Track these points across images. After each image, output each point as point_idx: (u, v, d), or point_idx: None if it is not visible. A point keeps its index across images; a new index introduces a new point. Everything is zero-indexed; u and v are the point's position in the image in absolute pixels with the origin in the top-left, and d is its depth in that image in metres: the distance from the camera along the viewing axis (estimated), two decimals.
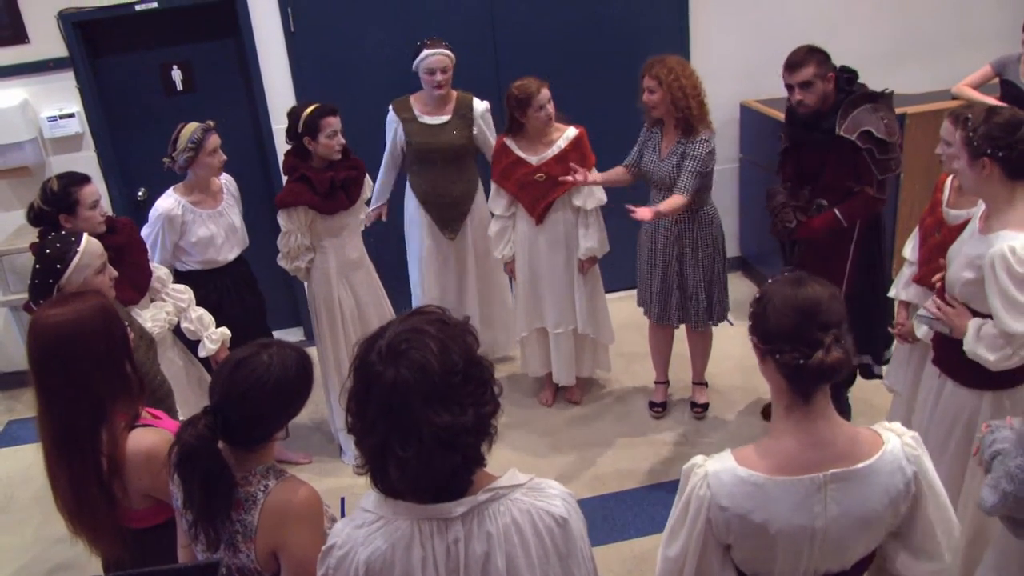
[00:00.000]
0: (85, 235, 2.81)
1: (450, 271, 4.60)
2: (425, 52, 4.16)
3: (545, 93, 3.96)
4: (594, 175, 3.98)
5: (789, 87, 3.56)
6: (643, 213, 3.69)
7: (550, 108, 3.99)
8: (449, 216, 4.44)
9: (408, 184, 4.43)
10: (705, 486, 1.75)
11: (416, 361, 1.46)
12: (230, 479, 1.83)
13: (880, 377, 3.80)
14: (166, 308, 3.37)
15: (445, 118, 4.31)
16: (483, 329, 4.58)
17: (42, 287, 2.72)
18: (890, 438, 1.79)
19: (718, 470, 1.76)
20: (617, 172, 4.09)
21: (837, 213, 3.58)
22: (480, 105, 4.38)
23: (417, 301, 4.63)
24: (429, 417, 1.44)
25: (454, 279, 4.63)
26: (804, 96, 3.52)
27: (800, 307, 1.70)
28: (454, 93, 4.34)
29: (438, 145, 4.27)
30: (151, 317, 3.27)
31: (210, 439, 1.80)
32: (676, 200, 3.78)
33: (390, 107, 4.35)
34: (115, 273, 2.87)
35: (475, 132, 4.37)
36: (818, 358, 1.67)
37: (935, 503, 1.81)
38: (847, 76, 3.58)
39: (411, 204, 4.50)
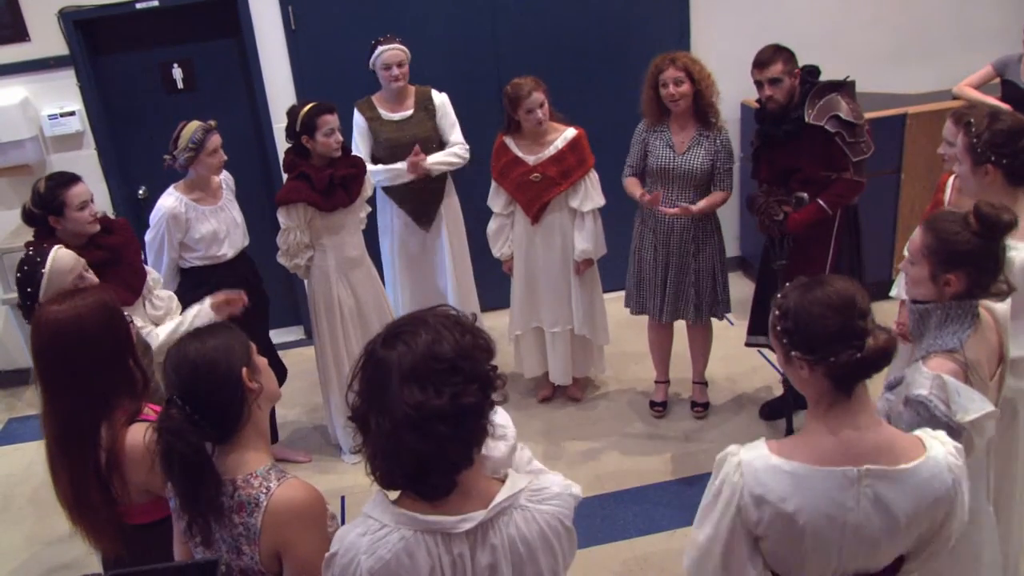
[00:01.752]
0: (52, 250, 2.79)
1: (427, 267, 4.61)
2: (380, 48, 4.19)
3: (536, 97, 3.94)
4: (698, 206, 3.90)
5: (759, 84, 3.67)
6: (675, 209, 3.84)
7: (540, 113, 3.97)
8: (424, 207, 4.44)
9: (378, 184, 4.43)
10: (738, 473, 1.76)
11: (407, 343, 1.51)
12: (210, 465, 1.82)
13: None
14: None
15: (408, 112, 4.34)
16: None
17: (28, 307, 2.75)
18: (934, 446, 1.80)
19: (752, 458, 1.77)
20: (713, 198, 3.95)
21: (821, 203, 3.66)
22: (439, 96, 4.41)
23: (393, 301, 4.61)
24: (402, 394, 1.47)
25: (432, 275, 4.64)
26: (773, 92, 3.64)
27: (838, 306, 1.71)
28: (412, 88, 4.36)
29: (406, 139, 4.27)
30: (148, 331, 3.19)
31: (184, 425, 1.78)
32: (719, 197, 3.94)
33: (355, 108, 4.36)
34: (95, 280, 2.84)
35: (438, 120, 4.38)
36: (871, 346, 1.69)
37: (962, 515, 1.83)
38: (809, 69, 3.70)
39: (382, 204, 4.51)
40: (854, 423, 1.76)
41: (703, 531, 1.83)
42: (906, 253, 2.30)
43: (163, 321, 3.35)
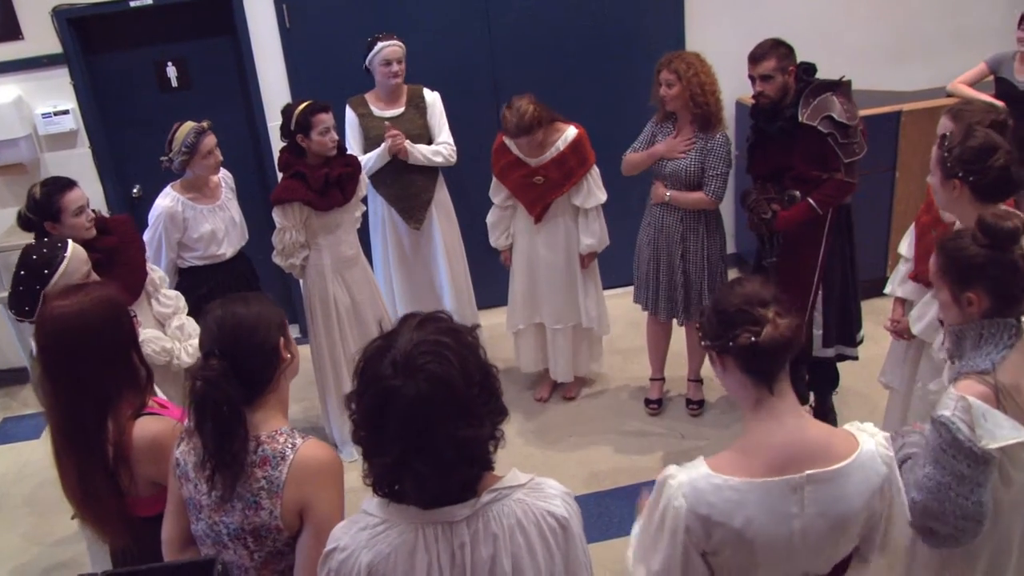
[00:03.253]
0: (71, 242, 2.81)
1: (421, 265, 4.62)
2: (380, 44, 4.21)
3: (524, 140, 3.93)
4: (673, 194, 3.93)
5: (752, 78, 3.66)
6: (658, 192, 3.84)
7: (526, 148, 3.98)
8: (413, 205, 4.44)
9: (369, 182, 4.42)
10: (680, 496, 1.75)
11: (437, 375, 1.43)
12: (242, 417, 1.85)
13: (854, 358, 3.93)
14: (163, 343, 3.24)
15: (400, 110, 4.35)
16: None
17: (28, 293, 2.70)
18: (864, 439, 1.80)
19: (693, 478, 1.76)
20: (692, 195, 3.95)
21: (811, 202, 3.64)
22: (431, 95, 4.42)
23: (388, 299, 4.60)
24: (451, 433, 1.43)
25: (426, 273, 4.65)
26: (764, 87, 3.63)
27: (740, 294, 1.76)
28: (405, 86, 4.38)
29: None
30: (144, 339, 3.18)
31: (221, 376, 1.82)
32: (701, 198, 3.91)
33: (347, 105, 4.36)
34: (97, 280, 2.84)
35: (428, 119, 4.40)
36: (768, 332, 1.70)
37: (899, 507, 1.83)
38: (805, 67, 3.66)
39: (373, 202, 4.51)
40: (784, 427, 1.76)
41: (655, 561, 1.79)
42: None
43: (170, 319, 3.37)
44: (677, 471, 1.79)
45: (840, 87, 3.62)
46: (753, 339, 1.71)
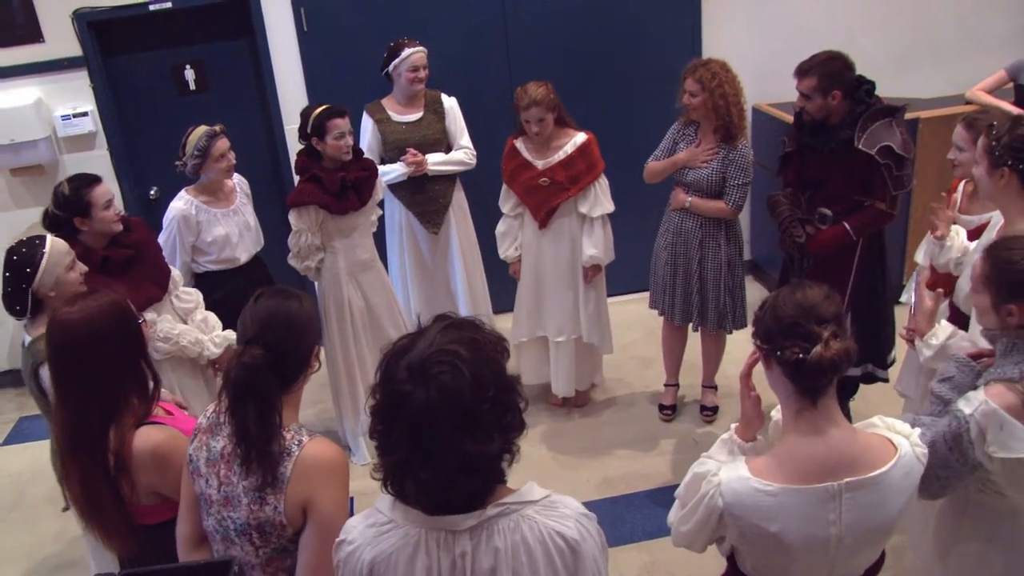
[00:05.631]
0: (49, 236, 2.83)
1: (438, 269, 4.63)
2: (408, 50, 4.23)
3: (534, 112, 3.89)
4: (693, 200, 3.94)
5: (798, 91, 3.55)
6: (679, 198, 3.84)
7: (535, 127, 3.95)
8: (431, 209, 4.45)
9: (387, 186, 4.44)
10: (718, 495, 1.77)
11: (447, 386, 1.41)
12: (279, 406, 1.88)
13: (884, 380, 3.80)
14: (195, 334, 3.33)
15: (418, 114, 4.37)
16: None
17: (16, 293, 2.73)
18: (901, 443, 1.81)
19: (731, 480, 1.77)
20: (712, 203, 3.95)
21: (847, 227, 3.53)
22: (448, 100, 4.44)
23: (404, 303, 4.61)
24: (455, 444, 1.42)
25: (443, 277, 4.65)
26: (804, 104, 3.51)
27: (798, 303, 1.74)
28: (423, 91, 4.40)
29: (414, 141, 4.31)
30: (180, 332, 3.29)
31: (265, 365, 1.85)
32: (721, 208, 3.91)
33: (364, 112, 4.38)
34: (84, 268, 2.86)
35: (447, 124, 4.42)
36: (817, 352, 1.70)
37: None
38: (866, 88, 3.49)
39: (390, 206, 4.52)
40: (824, 435, 1.76)
41: (686, 526, 1.86)
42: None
43: (192, 315, 3.44)
44: (718, 469, 1.81)
45: (899, 113, 3.46)
46: (800, 356, 1.70)
